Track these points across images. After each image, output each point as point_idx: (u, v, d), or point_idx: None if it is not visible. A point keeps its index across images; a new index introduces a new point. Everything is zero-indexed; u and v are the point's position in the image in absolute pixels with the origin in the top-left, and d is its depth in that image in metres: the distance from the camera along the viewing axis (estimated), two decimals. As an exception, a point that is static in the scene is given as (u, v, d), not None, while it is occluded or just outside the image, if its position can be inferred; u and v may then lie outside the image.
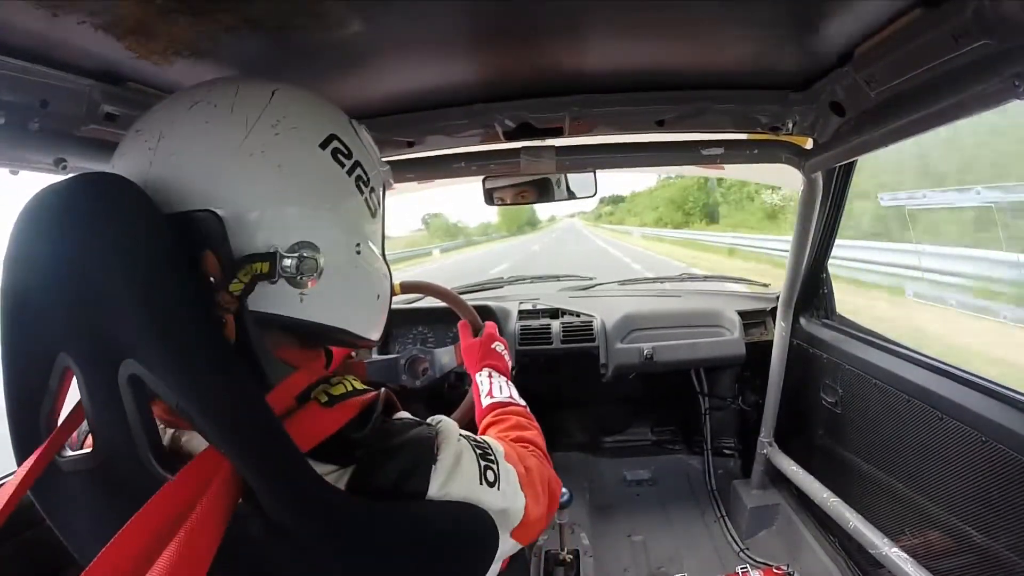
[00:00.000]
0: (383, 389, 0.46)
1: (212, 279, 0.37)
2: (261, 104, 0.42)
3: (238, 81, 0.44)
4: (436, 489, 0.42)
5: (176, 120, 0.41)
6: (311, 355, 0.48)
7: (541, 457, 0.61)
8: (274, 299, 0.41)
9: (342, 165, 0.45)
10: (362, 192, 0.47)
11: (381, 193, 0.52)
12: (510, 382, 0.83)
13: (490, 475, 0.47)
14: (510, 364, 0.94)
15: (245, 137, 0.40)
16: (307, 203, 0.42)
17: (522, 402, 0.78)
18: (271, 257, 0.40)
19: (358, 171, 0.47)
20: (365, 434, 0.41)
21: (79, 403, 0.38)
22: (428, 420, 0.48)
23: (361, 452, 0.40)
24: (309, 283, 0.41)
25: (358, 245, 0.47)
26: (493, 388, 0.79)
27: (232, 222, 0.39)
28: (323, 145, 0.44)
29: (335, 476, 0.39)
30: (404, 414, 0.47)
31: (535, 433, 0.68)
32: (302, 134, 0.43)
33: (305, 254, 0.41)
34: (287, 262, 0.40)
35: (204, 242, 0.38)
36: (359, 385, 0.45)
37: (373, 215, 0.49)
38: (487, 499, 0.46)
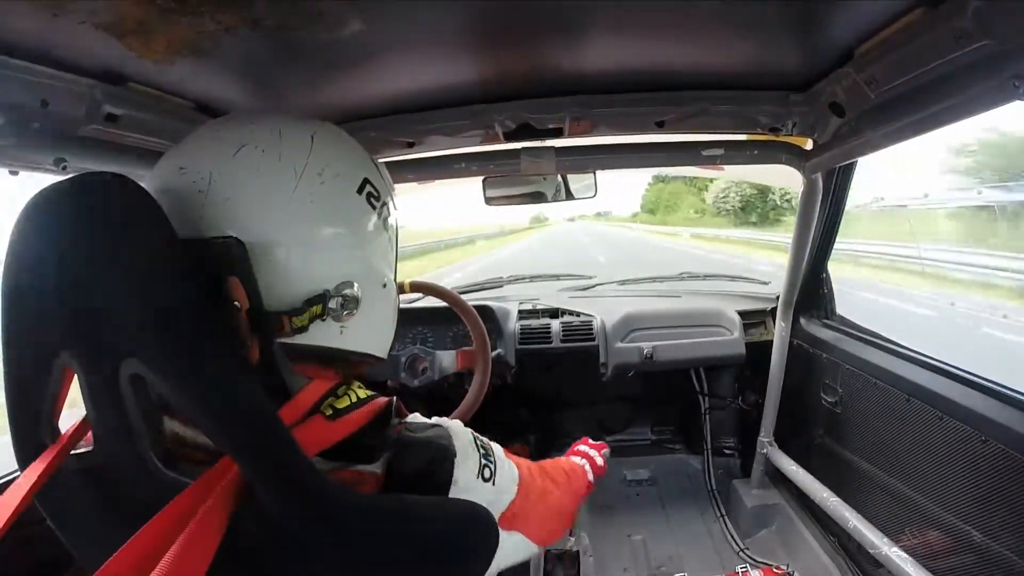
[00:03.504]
0: (395, 398, 0.49)
1: (236, 303, 0.38)
2: (305, 150, 0.44)
3: (279, 123, 0.46)
4: (457, 475, 0.46)
5: (225, 163, 0.42)
6: (328, 370, 0.50)
7: (560, 463, 0.68)
8: (320, 334, 0.44)
9: (373, 207, 0.49)
10: (387, 230, 0.52)
11: (396, 223, 0.56)
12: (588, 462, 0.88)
13: (487, 472, 0.50)
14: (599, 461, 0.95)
15: (295, 188, 0.43)
16: (349, 246, 0.46)
17: (582, 462, 0.87)
18: (322, 299, 0.43)
19: (385, 211, 0.51)
20: (386, 438, 0.44)
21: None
22: (435, 422, 0.51)
23: (387, 448, 0.43)
24: (348, 317, 0.45)
25: (385, 278, 0.51)
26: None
27: (282, 264, 0.42)
28: (359, 190, 0.48)
29: (370, 470, 0.41)
30: (416, 416, 0.51)
31: (569, 462, 0.79)
32: (343, 182, 0.46)
33: (347, 292, 0.45)
34: (334, 302, 0.44)
35: (230, 268, 0.39)
36: (363, 394, 0.47)
37: (392, 246, 0.54)
38: (484, 495, 0.48)
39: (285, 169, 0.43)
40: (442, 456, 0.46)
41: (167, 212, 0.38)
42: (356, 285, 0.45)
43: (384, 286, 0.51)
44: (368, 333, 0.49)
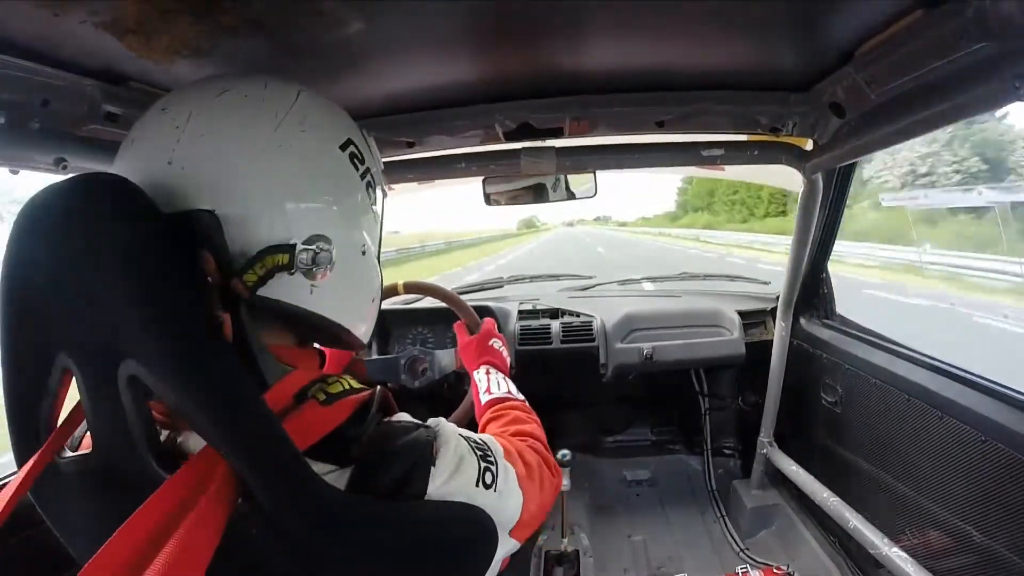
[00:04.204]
0: (379, 388, 0.47)
1: (210, 279, 0.38)
2: (288, 101, 0.44)
3: (265, 77, 0.46)
4: (435, 488, 0.42)
5: (206, 103, 0.42)
6: (306, 355, 0.49)
7: (540, 449, 0.62)
8: (287, 288, 0.42)
9: (356, 168, 0.48)
10: (370, 197, 0.50)
11: (382, 204, 0.54)
12: (508, 378, 0.83)
13: (488, 477, 0.47)
14: (509, 360, 0.94)
15: (275, 129, 0.42)
16: (325, 198, 0.45)
17: (520, 396, 0.78)
18: (290, 249, 0.41)
19: (368, 177, 0.49)
20: (362, 432, 0.41)
21: (78, 404, 0.38)
22: (427, 422, 0.48)
23: (360, 452, 0.41)
24: (320, 275, 0.43)
25: (363, 246, 0.49)
26: (491, 384, 0.80)
27: (249, 214, 0.40)
28: (343, 147, 0.47)
29: (334, 476, 0.39)
30: (403, 416, 0.47)
31: (534, 426, 0.68)
32: (325, 133, 0.46)
33: (320, 247, 0.43)
34: (304, 255, 0.42)
35: (203, 241, 0.38)
36: (355, 384, 0.45)
37: (375, 221, 0.52)
38: (485, 501, 0.46)
39: (266, 114, 0.42)
40: (412, 470, 0.42)
41: (141, 155, 0.39)
42: (332, 243, 0.43)
43: (364, 254, 0.49)
44: (343, 300, 0.47)
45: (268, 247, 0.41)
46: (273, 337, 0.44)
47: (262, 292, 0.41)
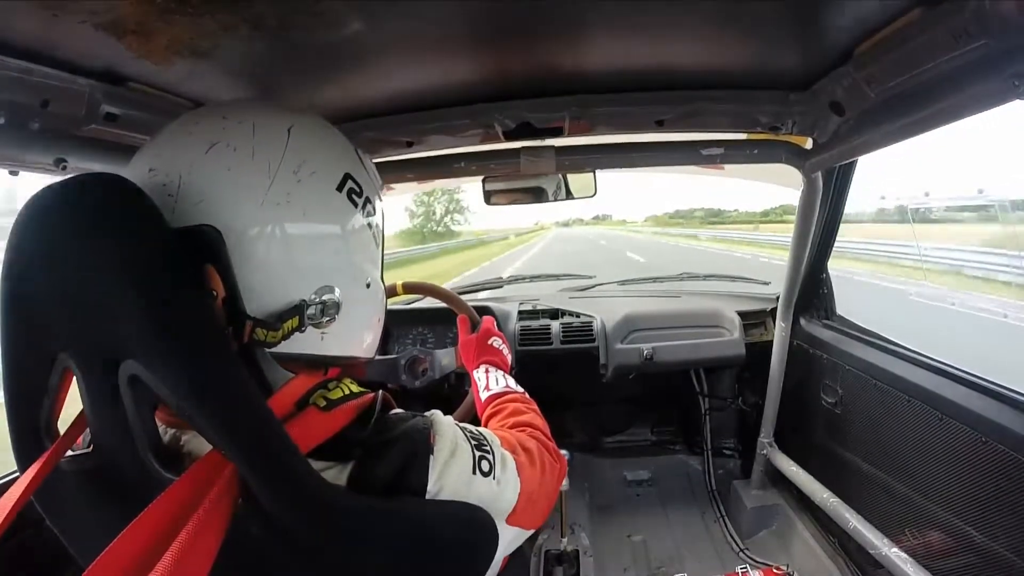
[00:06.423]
0: (380, 391, 0.47)
1: (215, 292, 0.38)
2: (280, 146, 0.42)
3: (252, 115, 0.43)
4: (434, 482, 0.42)
5: (195, 163, 0.40)
6: (316, 370, 0.49)
7: (540, 437, 0.62)
8: (299, 342, 0.42)
9: (355, 204, 0.47)
10: (371, 227, 0.50)
11: (382, 220, 0.54)
12: (507, 375, 0.84)
13: (484, 464, 0.47)
14: (509, 359, 0.94)
15: (269, 186, 0.41)
16: (328, 249, 0.44)
17: (519, 389, 0.78)
18: (299, 311, 0.41)
19: (368, 207, 0.49)
20: (365, 434, 0.42)
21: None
22: (423, 414, 0.48)
23: (361, 449, 0.41)
24: (329, 324, 0.44)
25: (367, 279, 0.49)
26: (490, 381, 0.80)
27: (258, 268, 0.40)
28: (340, 187, 0.45)
29: (335, 472, 0.40)
30: (398, 410, 0.48)
31: (533, 415, 0.68)
32: (321, 178, 0.44)
33: (327, 298, 0.43)
34: (312, 309, 0.42)
35: (207, 256, 0.38)
36: (356, 388, 0.46)
37: (377, 245, 0.52)
38: (482, 490, 0.46)
39: (258, 167, 0.41)
40: (411, 460, 0.42)
41: None
42: (337, 290, 0.43)
43: (368, 286, 0.49)
44: (351, 337, 0.48)
45: (279, 315, 0.40)
46: (284, 364, 0.44)
47: (276, 348, 0.41)
